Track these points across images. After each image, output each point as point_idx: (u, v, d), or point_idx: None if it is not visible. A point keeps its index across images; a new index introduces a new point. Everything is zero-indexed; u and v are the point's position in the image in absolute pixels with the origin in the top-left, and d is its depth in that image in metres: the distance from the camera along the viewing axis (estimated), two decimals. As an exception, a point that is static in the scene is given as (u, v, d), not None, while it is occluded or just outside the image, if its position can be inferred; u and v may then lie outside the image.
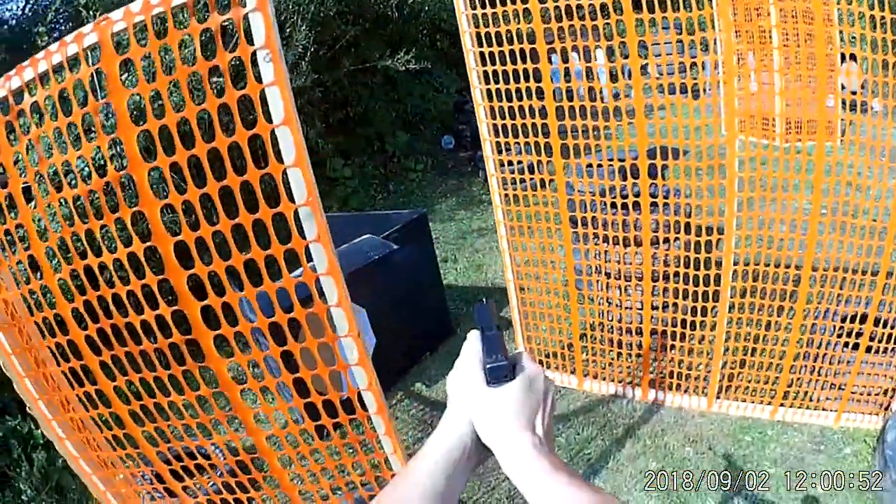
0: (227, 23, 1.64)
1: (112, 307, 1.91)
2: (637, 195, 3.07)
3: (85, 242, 1.88)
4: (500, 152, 3.28)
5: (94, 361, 1.99)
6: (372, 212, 5.55)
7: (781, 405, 3.25)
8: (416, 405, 3.86)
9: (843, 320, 3.08)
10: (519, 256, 3.52)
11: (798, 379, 3.23)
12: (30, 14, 4.58)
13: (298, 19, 4.70)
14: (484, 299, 0.92)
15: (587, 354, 3.65)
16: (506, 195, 3.37)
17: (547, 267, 3.50)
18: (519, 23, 2.87)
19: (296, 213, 1.78)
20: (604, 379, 3.66)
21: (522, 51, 2.93)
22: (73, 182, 1.89)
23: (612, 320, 3.57)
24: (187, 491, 2.38)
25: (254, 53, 1.65)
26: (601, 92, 3.07)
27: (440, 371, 4.08)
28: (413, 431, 3.66)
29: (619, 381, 3.63)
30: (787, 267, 2.94)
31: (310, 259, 1.86)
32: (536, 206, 3.29)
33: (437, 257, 5.32)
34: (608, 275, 3.52)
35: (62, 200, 1.91)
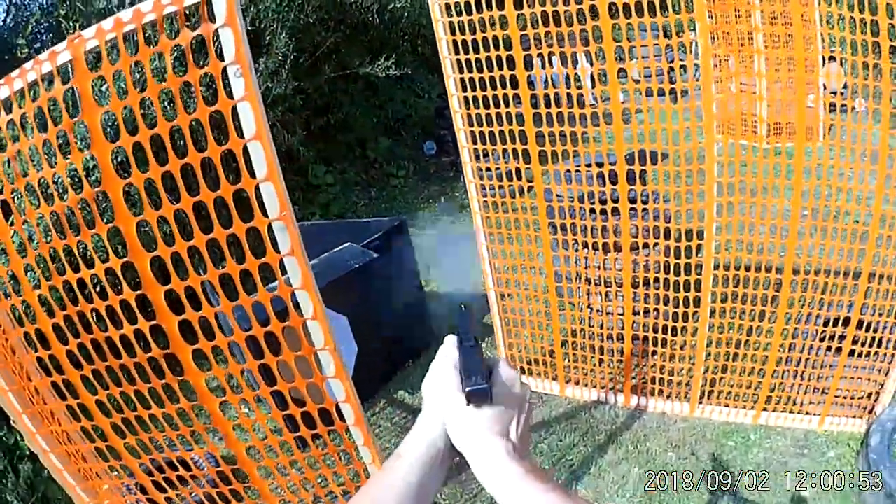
0: (197, 38, 1.68)
1: (92, 322, 1.94)
2: (616, 200, 3.12)
3: (63, 258, 1.91)
4: (478, 159, 3.32)
5: (76, 375, 2.02)
6: (352, 219, 5.58)
7: (764, 409, 3.32)
8: (398, 413, 3.89)
9: (826, 324, 3.15)
10: (499, 263, 3.56)
11: (781, 383, 3.29)
12: (11, 24, 4.58)
13: (278, 27, 4.74)
14: (463, 305, 0.94)
15: (569, 361, 3.70)
16: (485, 202, 3.41)
17: (527, 273, 3.55)
18: (495, 30, 2.92)
19: (270, 226, 1.81)
20: (586, 385, 3.72)
21: (499, 58, 2.97)
22: (51, 199, 1.92)
23: (593, 326, 3.62)
24: (170, 502, 2.40)
25: (224, 69, 1.68)
26: (578, 97, 3.12)
27: (422, 378, 4.08)
28: (395, 439, 3.69)
29: (602, 388, 3.69)
30: (769, 271, 2.99)
31: (284, 272, 1.89)
32: (516, 212, 3.33)
33: (419, 264, 5.37)
34: (589, 281, 3.58)
35: (39, 216, 1.93)
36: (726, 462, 3.18)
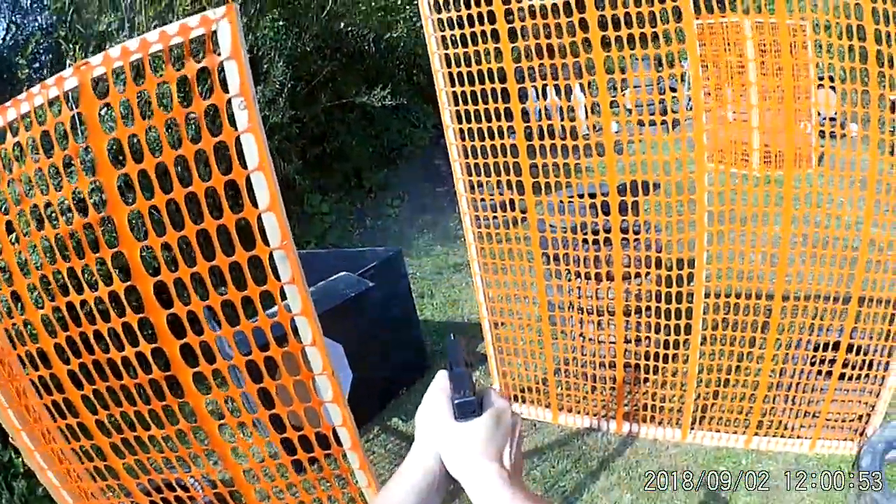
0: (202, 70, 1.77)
1: (93, 342, 2.00)
2: (608, 231, 3.22)
3: (66, 279, 1.99)
4: (472, 190, 3.42)
5: (76, 395, 2.08)
6: (348, 249, 5.67)
7: (756, 434, 3.38)
8: (392, 439, 3.94)
9: (816, 349, 3.23)
10: (492, 293, 3.64)
11: (772, 408, 3.36)
12: (10, 43, 4.69)
13: (276, 55, 4.87)
14: (453, 335, 1.00)
15: (561, 388, 3.76)
16: (479, 233, 3.50)
17: (521, 303, 3.63)
18: (490, 62, 3.04)
19: (271, 254, 1.89)
20: (578, 412, 3.77)
21: (494, 90, 3.08)
22: (55, 221, 2.00)
23: (585, 355, 3.69)
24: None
25: (229, 100, 1.78)
26: (572, 129, 3.23)
27: (416, 406, 4.10)
28: (389, 465, 3.73)
29: (594, 415, 3.74)
30: (759, 298, 3.06)
31: (284, 298, 1.97)
32: (509, 242, 3.42)
33: (414, 293, 5.42)
34: (581, 310, 3.66)
35: (44, 238, 2.00)
36: (719, 487, 3.23)
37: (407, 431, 3.98)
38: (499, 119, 3.14)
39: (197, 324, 1.97)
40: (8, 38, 4.90)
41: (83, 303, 1.99)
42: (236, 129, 1.79)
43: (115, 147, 2.27)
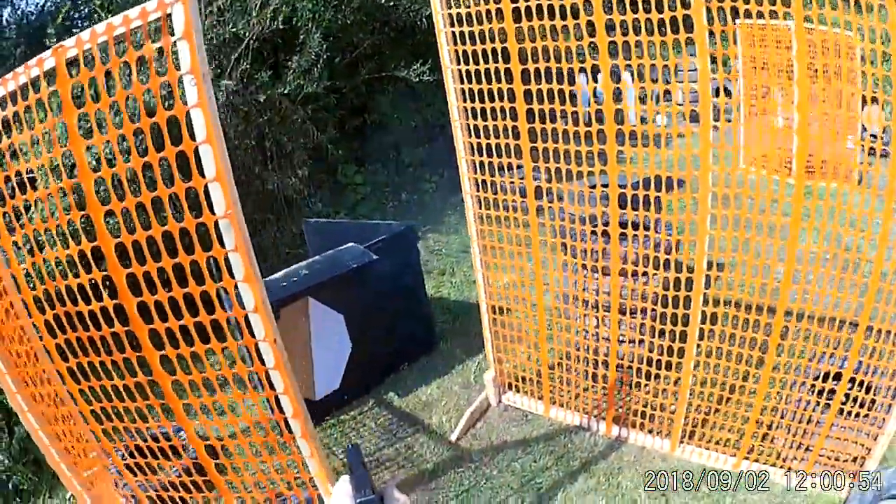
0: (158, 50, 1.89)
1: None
2: (623, 225, 3.15)
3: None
4: (476, 170, 3.44)
5: (84, 336, 2.27)
6: (363, 221, 5.78)
7: (746, 458, 3.28)
8: (384, 414, 4.05)
9: (816, 378, 3.08)
10: (492, 277, 3.67)
11: (766, 434, 3.25)
12: (52, 8, 4.99)
13: (313, 26, 4.98)
14: (350, 445, 1.19)
15: (555, 382, 3.76)
16: (481, 215, 3.52)
17: (522, 290, 3.63)
18: (496, 43, 3.03)
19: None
20: (571, 409, 3.76)
21: (497, 71, 3.08)
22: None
23: (580, 350, 3.67)
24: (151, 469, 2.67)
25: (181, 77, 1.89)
26: (596, 114, 3.13)
27: (415, 382, 4.27)
28: (377, 440, 3.85)
29: (586, 413, 3.73)
30: (759, 313, 2.95)
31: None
32: (509, 227, 3.42)
33: (436, 269, 5.52)
34: (586, 303, 3.62)
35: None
36: (698, 506, 3.17)
37: (401, 407, 4.09)
38: (501, 100, 3.13)
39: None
40: (47, 4, 5.19)
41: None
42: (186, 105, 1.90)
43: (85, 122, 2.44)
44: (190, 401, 2.33)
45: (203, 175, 1.97)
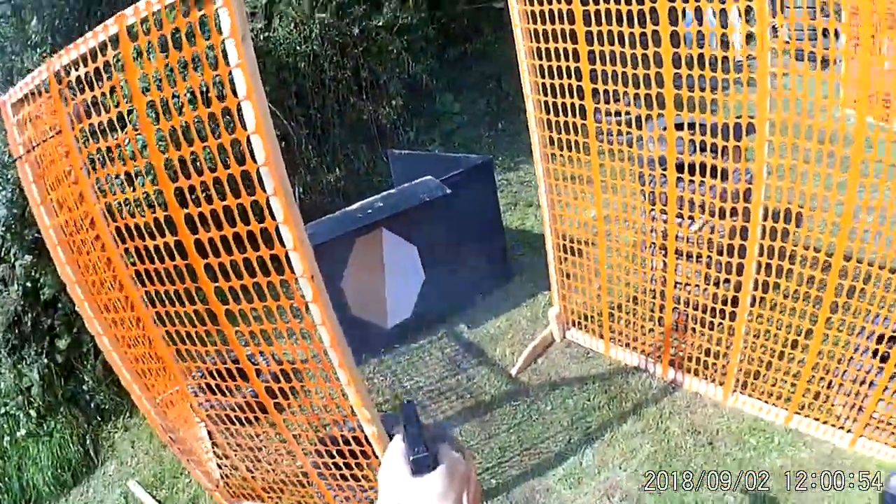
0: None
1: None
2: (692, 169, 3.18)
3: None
4: (544, 110, 3.61)
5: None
6: (443, 154, 5.99)
7: (797, 413, 3.33)
8: (452, 345, 4.42)
9: (870, 338, 3.04)
10: (559, 215, 3.84)
11: (818, 392, 3.27)
12: None
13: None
14: (406, 400, 1.24)
15: (615, 322, 3.92)
16: (547, 153, 3.68)
17: (589, 232, 3.78)
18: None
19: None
20: (630, 349, 3.93)
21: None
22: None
23: (646, 294, 3.78)
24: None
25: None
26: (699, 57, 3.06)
27: (487, 314, 4.60)
28: (442, 370, 4.23)
29: (645, 354, 3.88)
30: (814, 268, 2.95)
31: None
32: (573, 166, 3.56)
33: (522, 201, 5.69)
34: (654, 246, 3.70)
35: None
36: (740, 462, 3.27)
37: (468, 339, 4.44)
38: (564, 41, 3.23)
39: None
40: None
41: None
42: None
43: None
44: (253, 328, 2.72)
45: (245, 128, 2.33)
